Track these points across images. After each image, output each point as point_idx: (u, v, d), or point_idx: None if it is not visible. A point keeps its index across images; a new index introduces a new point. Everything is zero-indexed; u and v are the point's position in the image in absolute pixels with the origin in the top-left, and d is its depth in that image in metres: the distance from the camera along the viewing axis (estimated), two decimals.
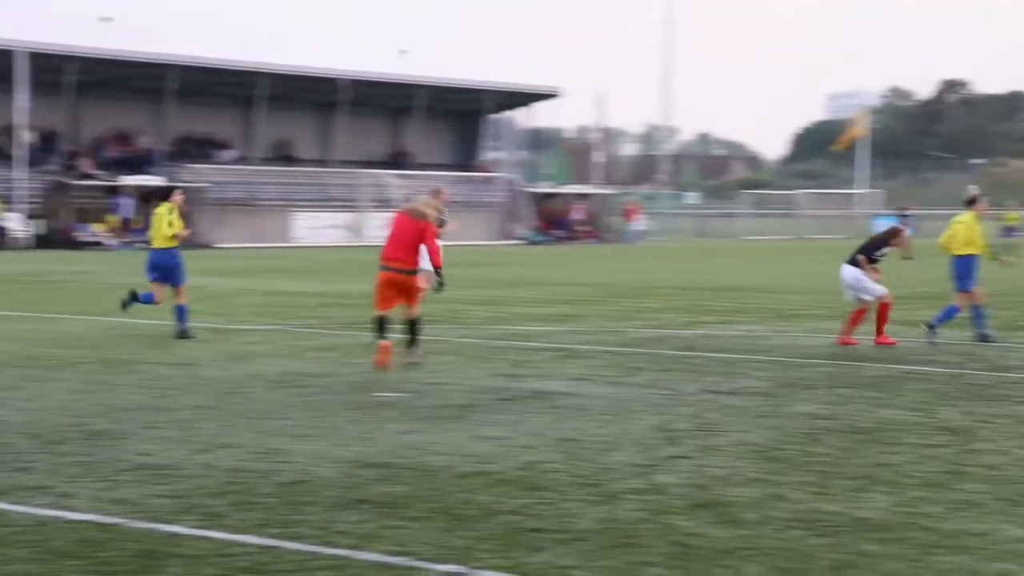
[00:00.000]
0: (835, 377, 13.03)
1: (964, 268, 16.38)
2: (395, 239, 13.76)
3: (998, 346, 15.85)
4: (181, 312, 16.57)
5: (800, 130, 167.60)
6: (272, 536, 6.74)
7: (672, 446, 9.24)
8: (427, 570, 6.12)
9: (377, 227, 56.00)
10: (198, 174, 53.72)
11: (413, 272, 13.83)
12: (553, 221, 63.57)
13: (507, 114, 72.02)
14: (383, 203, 58.28)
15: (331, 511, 7.28)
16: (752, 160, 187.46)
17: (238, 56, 58.73)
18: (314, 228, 55.07)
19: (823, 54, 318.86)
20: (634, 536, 6.75)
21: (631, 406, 11.09)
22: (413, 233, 13.72)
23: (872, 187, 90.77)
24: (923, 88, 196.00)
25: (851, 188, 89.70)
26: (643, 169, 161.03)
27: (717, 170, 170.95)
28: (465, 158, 68.12)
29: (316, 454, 8.89)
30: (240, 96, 59.18)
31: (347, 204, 57.59)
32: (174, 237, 16.73)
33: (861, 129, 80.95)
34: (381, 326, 13.66)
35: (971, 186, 17.69)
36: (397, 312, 13.94)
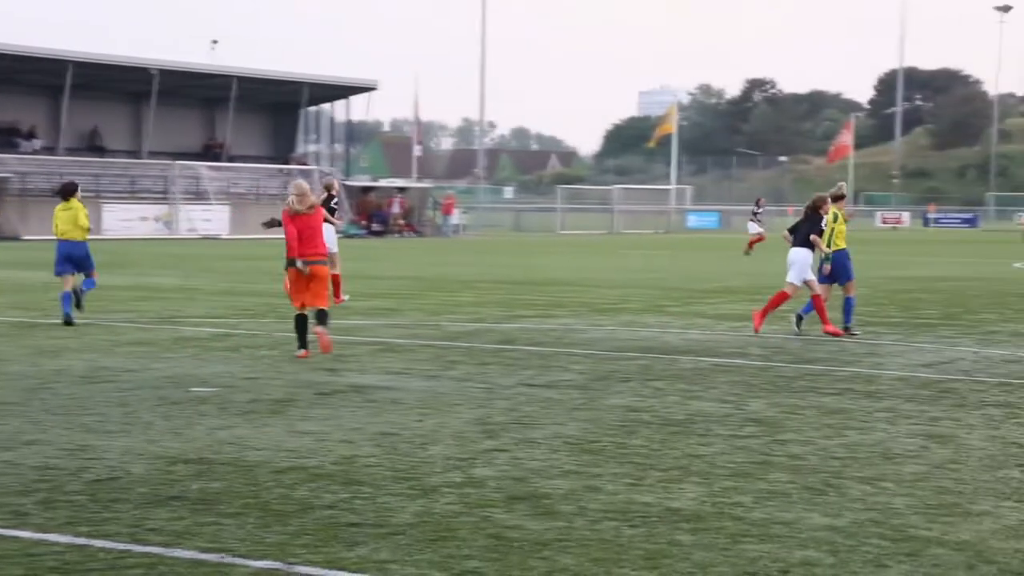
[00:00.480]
0: (649, 370, 13.27)
1: (838, 261, 17.00)
2: (308, 236, 14.11)
3: (803, 339, 16.34)
4: (73, 297, 17.34)
5: (611, 126, 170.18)
6: (81, 535, 6.58)
7: (490, 439, 9.30)
8: None
9: (191, 220, 55.26)
10: (2, 164, 51.98)
11: (325, 262, 14.51)
12: (371, 215, 63.29)
13: (324, 107, 71.44)
14: (196, 196, 57.27)
15: (143, 508, 7.13)
16: (568, 155, 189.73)
17: (44, 43, 57.02)
18: (125, 220, 53.74)
19: (635, 50, 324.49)
20: (452, 529, 6.77)
21: (449, 400, 11.12)
22: (319, 224, 14.45)
23: (683, 183, 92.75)
24: (731, 86, 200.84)
25: (662, 184, 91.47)
26: (460, 163, 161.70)
27: (533, 165, 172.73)
28: (281, 151, 67.32)
29: (128, 450, 8.69)
30: (47, 84, 57.39)
31: (159, 196, 56.41)
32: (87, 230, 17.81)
33: (671, 125, 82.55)
34: (304, 327, 14.09)
35: (840, 183, 18.18)
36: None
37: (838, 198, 17.32)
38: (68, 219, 17.63)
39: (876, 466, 8.53)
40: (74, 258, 17.53)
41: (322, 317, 14.10)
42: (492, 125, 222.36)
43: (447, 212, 65.34)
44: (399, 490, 7.65)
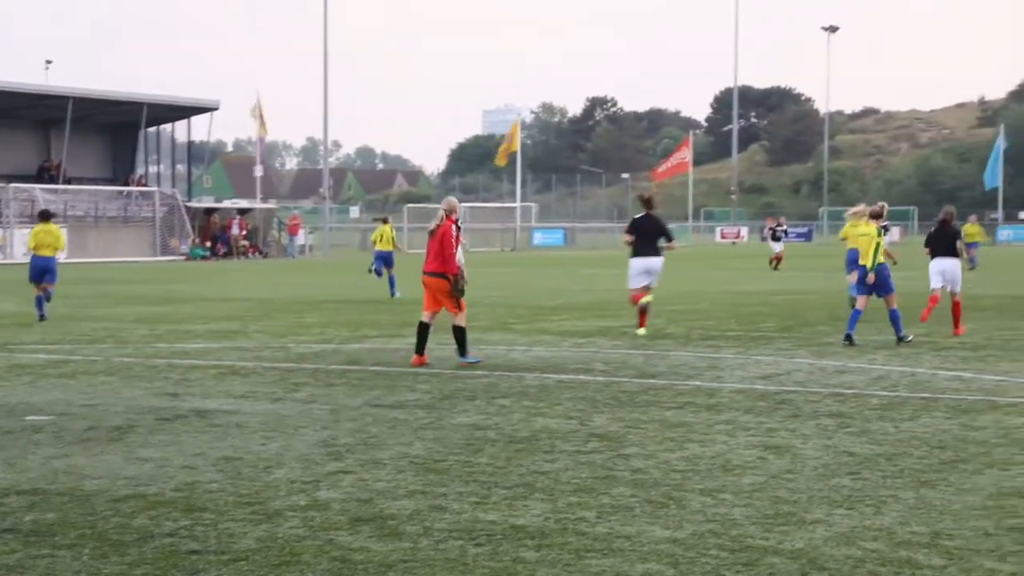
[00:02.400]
0: (495, 387, 13.33)
1: (881, 275, 17.90)
2: (429, 253, 15.40)
3: (645, 354, 16.58)
4: (46, 299, 21.91)
5: (456, 145, 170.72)
6: None
7: (335, 461, 9.25)
8: None
9: (26, 243, 53.81)
10: None
11: (437, 274, 15.31)
12: (214, 236, 62.39)
13: (164, 127, 70.25)
14: (32, 219, 55.74)
15: None
16: (414, 174, 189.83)
17: None
18: None
19: (479, 69, 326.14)
20: (295, 554, 6.71)
21: (294, 422, 11.02)
22: (435, 244, 15.29)
23: (528, 200, 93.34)
24: (572, 105, 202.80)
25: (508, 202, 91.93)
26: (305, 183, 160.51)
27: (379, 184, 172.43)
28: (120, 172, 66.02)
29: None
30: None
31: None
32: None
33: (515, 143, 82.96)
34: (421, 334, 15.44)
35: (881, 203, 19.51)
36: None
37: (877, 215, 18.51)
38: (45, 238, 22.26)
39: (716, 478, 8.70)
40: (46, 270, 22.00)
41: (456, 336, 15.40)
42: (337, 144, 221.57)
43: (292, 233, 64.75)
44: (242, 515, 7.56)
